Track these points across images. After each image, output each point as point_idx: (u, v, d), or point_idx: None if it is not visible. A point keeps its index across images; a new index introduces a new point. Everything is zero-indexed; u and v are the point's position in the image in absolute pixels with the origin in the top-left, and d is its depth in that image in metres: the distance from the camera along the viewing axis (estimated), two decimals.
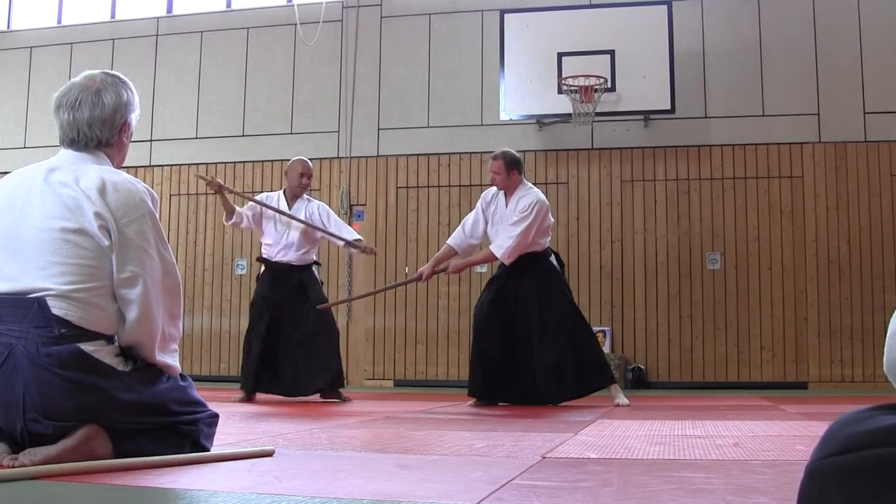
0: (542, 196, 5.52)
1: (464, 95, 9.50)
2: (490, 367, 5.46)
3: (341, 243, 5.95)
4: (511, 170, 5.50)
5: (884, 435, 0.98)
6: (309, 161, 6.07)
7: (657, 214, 8.97)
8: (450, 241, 5.76)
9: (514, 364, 5.47)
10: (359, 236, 6.01)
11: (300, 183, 5.88)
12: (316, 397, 5.76)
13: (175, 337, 2.34)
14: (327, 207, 6.01)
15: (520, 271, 5.50)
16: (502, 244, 5.41)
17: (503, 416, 4.61)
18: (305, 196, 5.96)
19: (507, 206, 5.54)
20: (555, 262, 5.68)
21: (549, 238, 5.63)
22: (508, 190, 5.55)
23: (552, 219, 5.62)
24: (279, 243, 5.84)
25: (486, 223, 5.64)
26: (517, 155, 5.64)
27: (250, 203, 5.99)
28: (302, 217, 5.81)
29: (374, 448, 2.88)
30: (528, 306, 5.48)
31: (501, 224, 5.51)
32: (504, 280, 5.58)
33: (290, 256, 5.85)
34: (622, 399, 5.45)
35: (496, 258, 5.47)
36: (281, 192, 6.00)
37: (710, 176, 8.94)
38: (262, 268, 6.02)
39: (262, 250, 6.00)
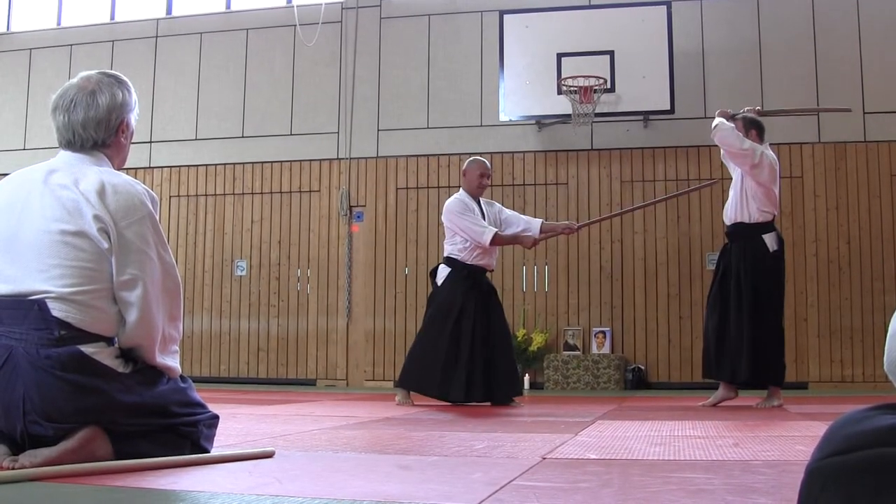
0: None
1: (463, 96, 9.50)
2: (710, 346, 5.55)
3: (536, 232, 5.75)
4: (749, 129, 5.56)
5: (884, 435, 0.98)
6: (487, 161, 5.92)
7: (657, 215, 8.97)
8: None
9: (723, 342, 5.50)
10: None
11: (480, 183, 5.73)
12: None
13: (175, 338, 2.34)
14: (501, 206, 5.96)
15: (738, 244, 5.50)
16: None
17: (503, 417, 4.62)
18: (482, 199, 5.80)
19: None
20: (775, 242, 5.53)
21: (773, 214, 5.53)
22: None
23: (778, 187, 5.53)
24: (474, 248, 5.64)
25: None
26: (759, 118, 5.66)
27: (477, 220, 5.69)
28: (489, 218, 5.69)
29: (374, 449, 2.89)
30: (737, 282, 5.44)
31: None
32: (725, 255, 5.60)
33: (485, 261, 5.70)
34: (773, 402, 5.44)
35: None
36: (463, 193, 5.78)
37: (710, 176, 8.93)
38: (448, 269, 5.71)
39: (450, 252, 5.73)
